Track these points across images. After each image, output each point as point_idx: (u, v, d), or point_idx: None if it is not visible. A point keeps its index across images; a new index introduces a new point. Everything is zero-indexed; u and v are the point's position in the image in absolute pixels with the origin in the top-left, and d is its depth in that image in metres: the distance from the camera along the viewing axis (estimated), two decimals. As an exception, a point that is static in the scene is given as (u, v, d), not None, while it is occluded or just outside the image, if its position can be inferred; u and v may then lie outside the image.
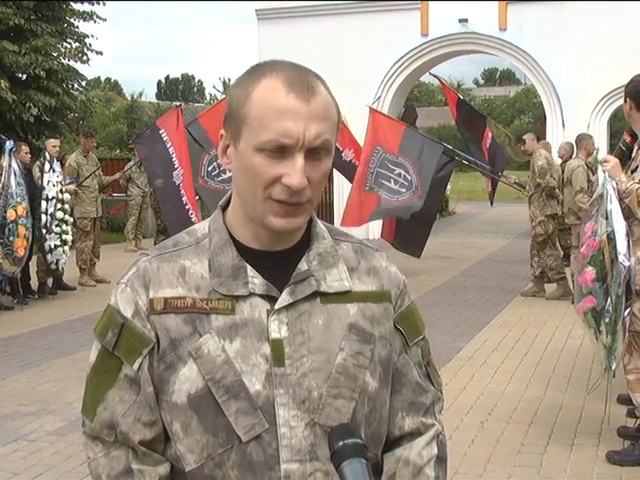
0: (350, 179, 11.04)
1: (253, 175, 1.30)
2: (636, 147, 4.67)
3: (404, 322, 1.47)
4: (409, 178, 10.37)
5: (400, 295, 1.48)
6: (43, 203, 9.77)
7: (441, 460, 1.48)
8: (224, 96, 13.51)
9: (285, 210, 1.30)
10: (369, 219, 10.76)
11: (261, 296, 1.35)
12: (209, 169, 10.18)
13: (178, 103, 14.54)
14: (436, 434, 1.48)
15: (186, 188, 9.71)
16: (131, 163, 14.53)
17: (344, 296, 1.40)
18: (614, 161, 4.66)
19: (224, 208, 1.44)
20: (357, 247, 1.48)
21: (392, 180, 10.40)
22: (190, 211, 9.60)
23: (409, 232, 10.89)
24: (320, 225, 1.45)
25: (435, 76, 15.38)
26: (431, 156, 10.40)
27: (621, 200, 4.47)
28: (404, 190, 10.35)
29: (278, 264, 1.38)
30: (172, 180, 9.85)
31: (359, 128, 11.37)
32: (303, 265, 1.38)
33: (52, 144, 10.60)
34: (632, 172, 4.58)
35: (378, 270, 1.46)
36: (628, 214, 4.49)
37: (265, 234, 1.37)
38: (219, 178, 10.09)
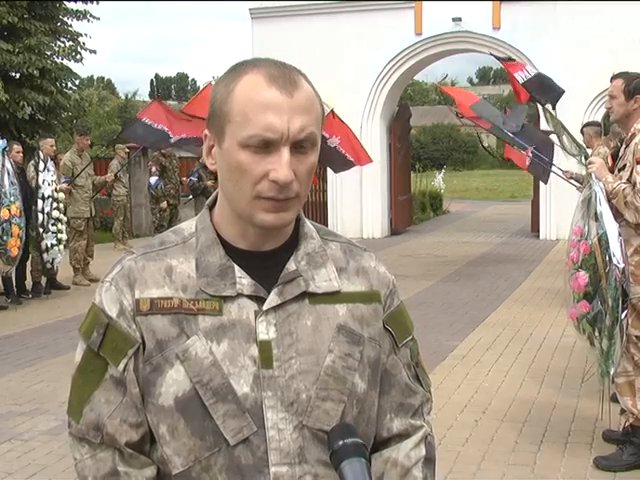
0: (334, 168, 11.01)
1: (240, 173, 1.28)
2: (624, 145, 4.66)
3: (393, 323, 1.46)
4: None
5: (389, 295, 1.46)
6: (39, 202, 9.77)
7: (429, 461, 1.47)
8: (205, 84, 13.56)
9: (274, 206, 1.28)
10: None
11: (249, 297, 1.33)
12: None
13: (158, 95, 14.43)
14: (424, 435, 1.47)
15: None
16: (115, 162, 14.36)
17: (333, 296, 1.38)
18: (599, 162, 4.63)
19: (211, 207, 1.42)
20: (346, 247, 1.46)
21: None
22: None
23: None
24: (308, 225, 1.44)
25: (497, 57, 14.69)
26: None
27: (609, 201, 4.46)
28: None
29: (266, 264, 1.36)
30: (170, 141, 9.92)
31: (352, 125, 11.37)
32: (291, 265, 1.37)
33: (50, 144, 10.64)
34: (619, 170, 4.58)
35: (367, 270, 1.45)
36: (616, 214, 4.45)
37: (253, 232, 1.35)
38: None
